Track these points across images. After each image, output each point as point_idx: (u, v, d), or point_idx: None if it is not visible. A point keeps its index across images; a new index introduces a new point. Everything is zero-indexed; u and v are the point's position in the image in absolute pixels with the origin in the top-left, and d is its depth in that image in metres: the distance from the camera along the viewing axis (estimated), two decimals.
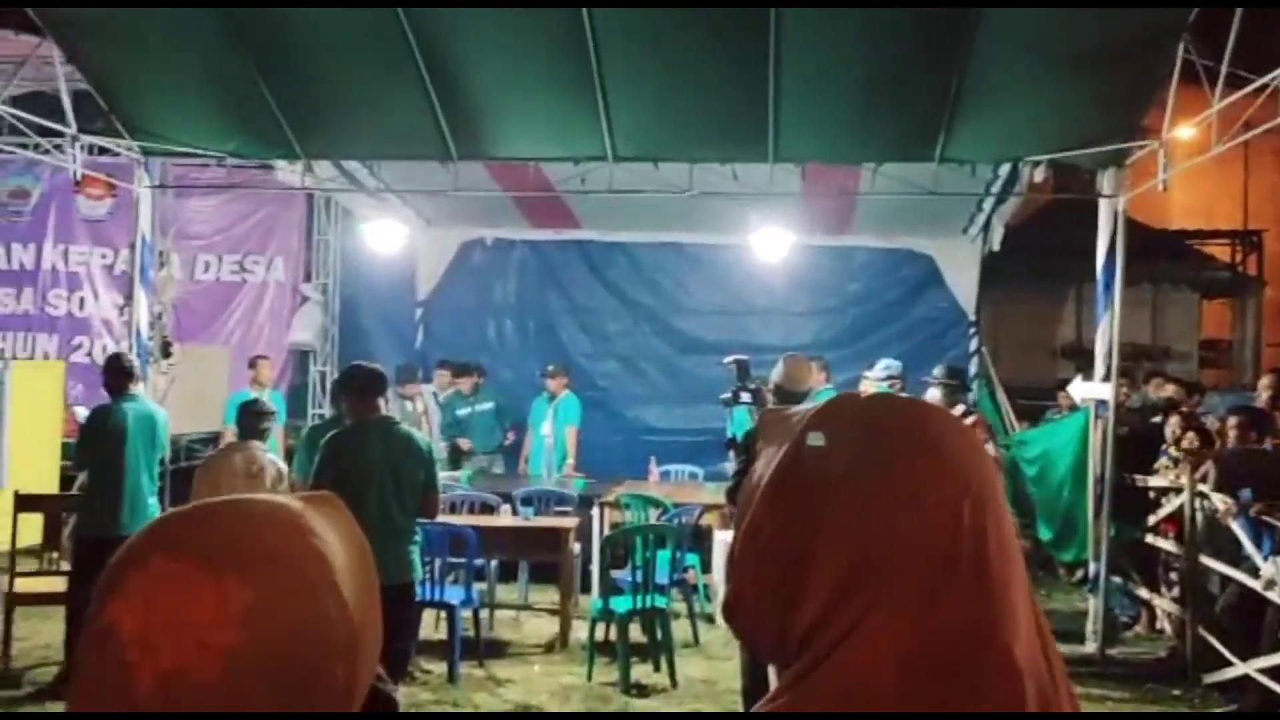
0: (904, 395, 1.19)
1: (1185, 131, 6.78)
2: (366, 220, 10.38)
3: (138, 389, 6.34)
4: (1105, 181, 6.96)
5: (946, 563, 1.25)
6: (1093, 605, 7.19)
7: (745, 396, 5.75)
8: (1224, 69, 5.84)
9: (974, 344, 11.06)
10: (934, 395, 6.58)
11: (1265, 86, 5.72)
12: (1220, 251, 16.42)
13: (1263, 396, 7.27)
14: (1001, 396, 10.91)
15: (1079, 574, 8.49)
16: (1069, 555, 8.28)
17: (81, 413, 7.44)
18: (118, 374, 6.30)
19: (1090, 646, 7.05)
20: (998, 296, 12.81)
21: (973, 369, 10.83)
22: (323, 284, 12.07)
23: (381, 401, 5.26)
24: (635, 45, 6.62)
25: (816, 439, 1.39)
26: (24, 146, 8.76)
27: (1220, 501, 6.16)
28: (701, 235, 10.90)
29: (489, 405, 10.17)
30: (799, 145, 7.09)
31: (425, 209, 11.04)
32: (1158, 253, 15.36)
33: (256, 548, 0.90)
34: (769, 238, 9.33)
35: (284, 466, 6.13)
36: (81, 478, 6.32)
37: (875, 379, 7.62)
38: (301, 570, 0.92)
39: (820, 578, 1.27)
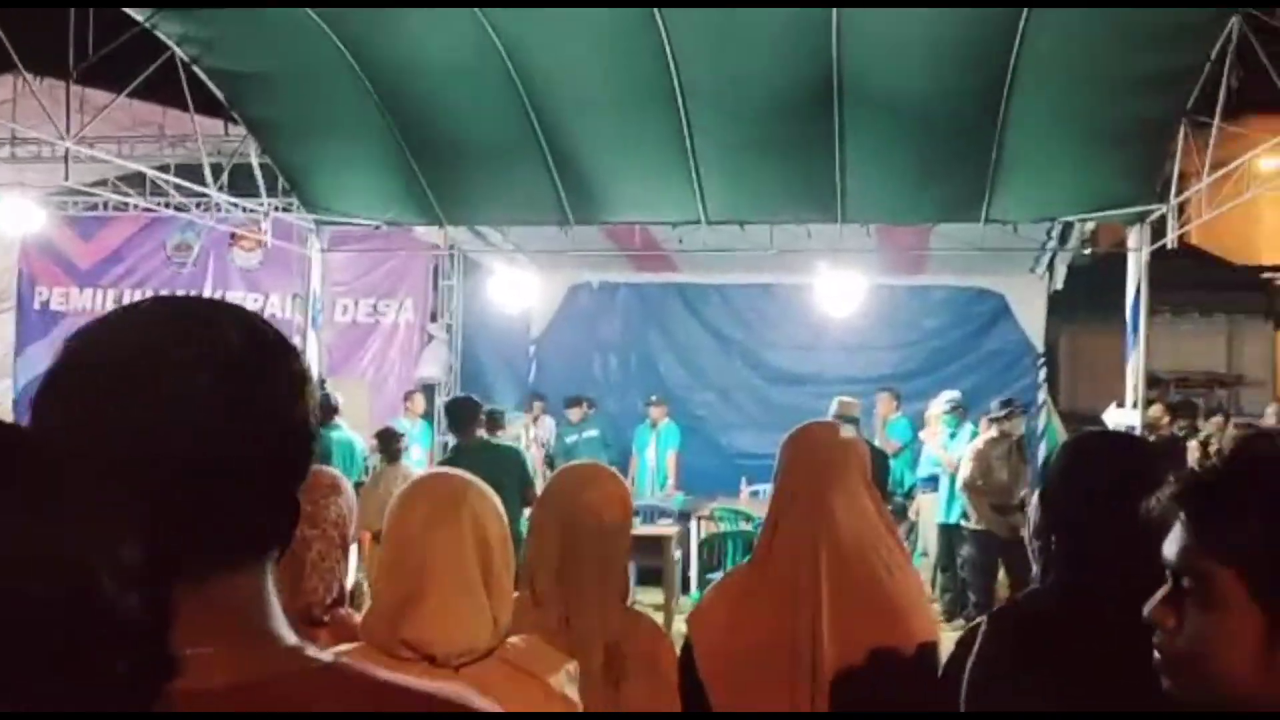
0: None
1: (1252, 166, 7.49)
2: (486, 268, 11.72)
3: (339, 419, 7.60)
4: (1131, 236, 7.94)
5: None
6: None
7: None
8: None
9: (1041, 375, 11.89)
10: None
11: None
12: None
13: (1270, 421, 8.09)
14: (1056, 423, 11.77)
15: None
16: None
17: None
18: (322, 408, 7.61)
19: None
20: (1074, 330, 13.56)
21: (1040, 398, 11.72)
22: (447, 324, 13.18)
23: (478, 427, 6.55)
24: (722, 124, 7.73)
25: None
26: (166, 205, 10.07)
27: None
28: (788, 277, 11.75)
29: (594, 432, 11.31)
30: (863, 208, 8.16)
31: (539, 257, 12.31)
32: (1234, 285, 16.00)
33: None
34: (841, 282, 10.39)
35: None
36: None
37: (939, 411, 8.61)
38: None
39: None
